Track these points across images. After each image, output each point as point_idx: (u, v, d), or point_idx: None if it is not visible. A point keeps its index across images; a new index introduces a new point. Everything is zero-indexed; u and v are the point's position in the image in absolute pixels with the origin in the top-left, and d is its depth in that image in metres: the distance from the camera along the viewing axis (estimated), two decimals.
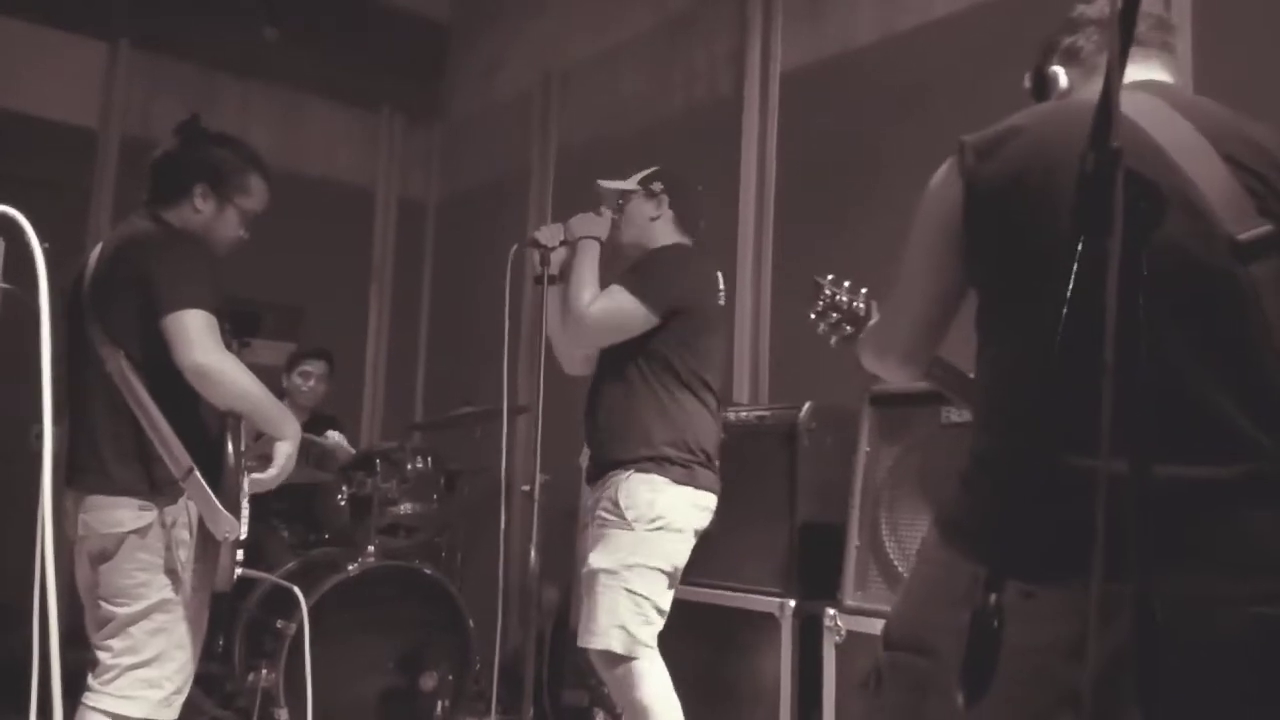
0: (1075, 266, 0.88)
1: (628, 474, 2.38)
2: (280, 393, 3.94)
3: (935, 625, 1.18)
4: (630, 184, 2.65)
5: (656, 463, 2.38)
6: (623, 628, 2.30)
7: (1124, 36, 0.85)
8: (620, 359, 2.49)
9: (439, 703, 3.32)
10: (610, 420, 2.47)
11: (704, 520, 2.46)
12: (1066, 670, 1.08)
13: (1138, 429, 0.89)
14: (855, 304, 1.76)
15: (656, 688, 2.32)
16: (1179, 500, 1.01)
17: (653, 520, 2.36)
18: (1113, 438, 0.84)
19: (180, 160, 2.26)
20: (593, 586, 2.36)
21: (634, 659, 2.31)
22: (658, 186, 2.64)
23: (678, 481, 2.39)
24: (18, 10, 4.49)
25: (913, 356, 1.42)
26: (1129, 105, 0.92)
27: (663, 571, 2.37)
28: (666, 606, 2.39)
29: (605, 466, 2.45)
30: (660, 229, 2.62)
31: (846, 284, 1.78)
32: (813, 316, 1.78)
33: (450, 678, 3.37)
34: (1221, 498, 1.07)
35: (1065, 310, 0.91)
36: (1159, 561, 0.90)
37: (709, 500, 2.46)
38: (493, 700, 2.85)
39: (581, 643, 2.37)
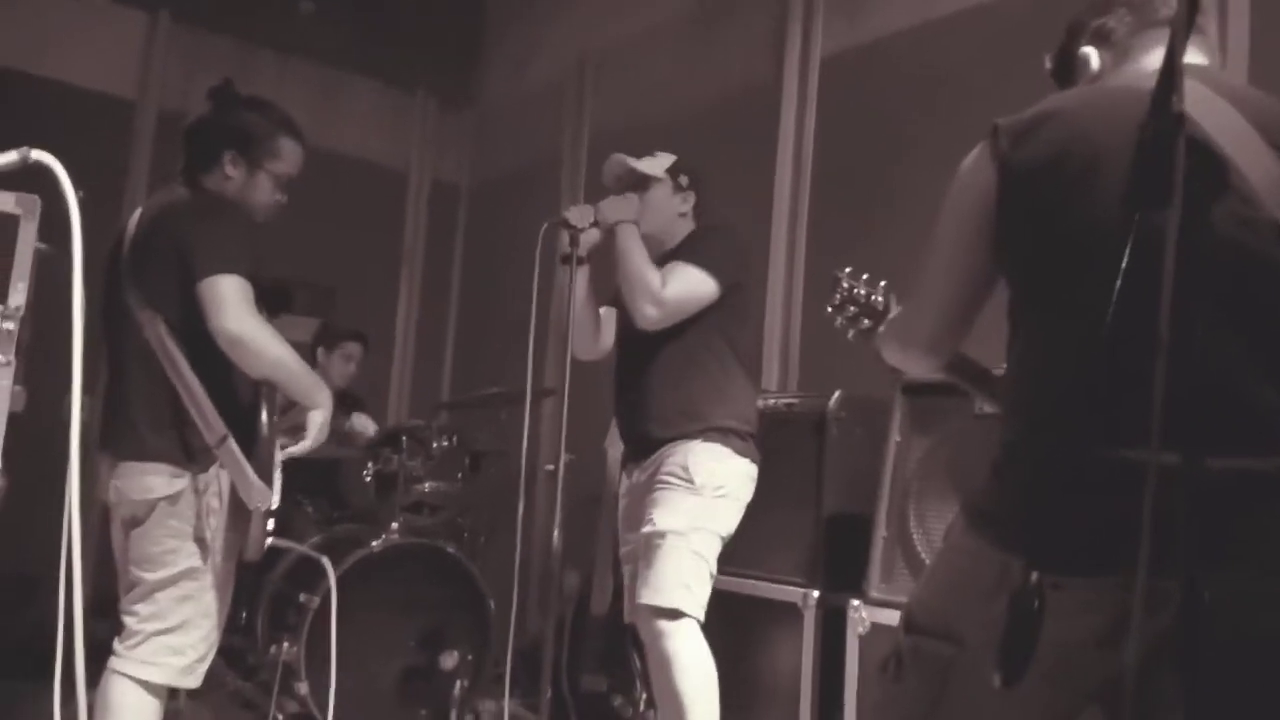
0: (1131, 241, 0.86)
1: (694, 442, 2.43)
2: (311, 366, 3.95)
3: (961, 613, 1.17)
4: (656, 169, 2.62)
5: (721, 433, 2.44)
6: (688, 587, 2.34)
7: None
8: (677, 335, 2.50)
9: (458, 683, 3.32)
10: (668, 395, 2.49)
11: (752, 492, 2.51)
12: (1095, 664, 1.06)
13: (1187, 418, 0.86)
14: (874, 297, 1.74)
15: (700, 648, 2.34)
16: (1221, 493, 0.98)
17: (718, 488, 2.41)
18: (1153, 425, 0.81)
19: (211, 126, 2.25)
20: (658, 546, 2.37)
21: (689, 618, 2.34)
22: (685, 180, 2.64)
23: (739, 453, 2.46)
24: None
25: (938, 347, 1.39)
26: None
27: (720, 537, 2.43)
28: (715, 572, 2.43)
29: (663, 440, 2.47)
30: (684, 224, 2.66)
31: (865, 277, 1.76)
32: (830, 310, 1.77)
33: (470, 658, 3.37)
34: (1262, 492, 1.04)
35: (1118, 290, 0.88)
36: (1202, 556, 0.87)
37: (756, 472, 2.51)
38: (507, 683, 2.84)
39: (641, 600, 2.37)
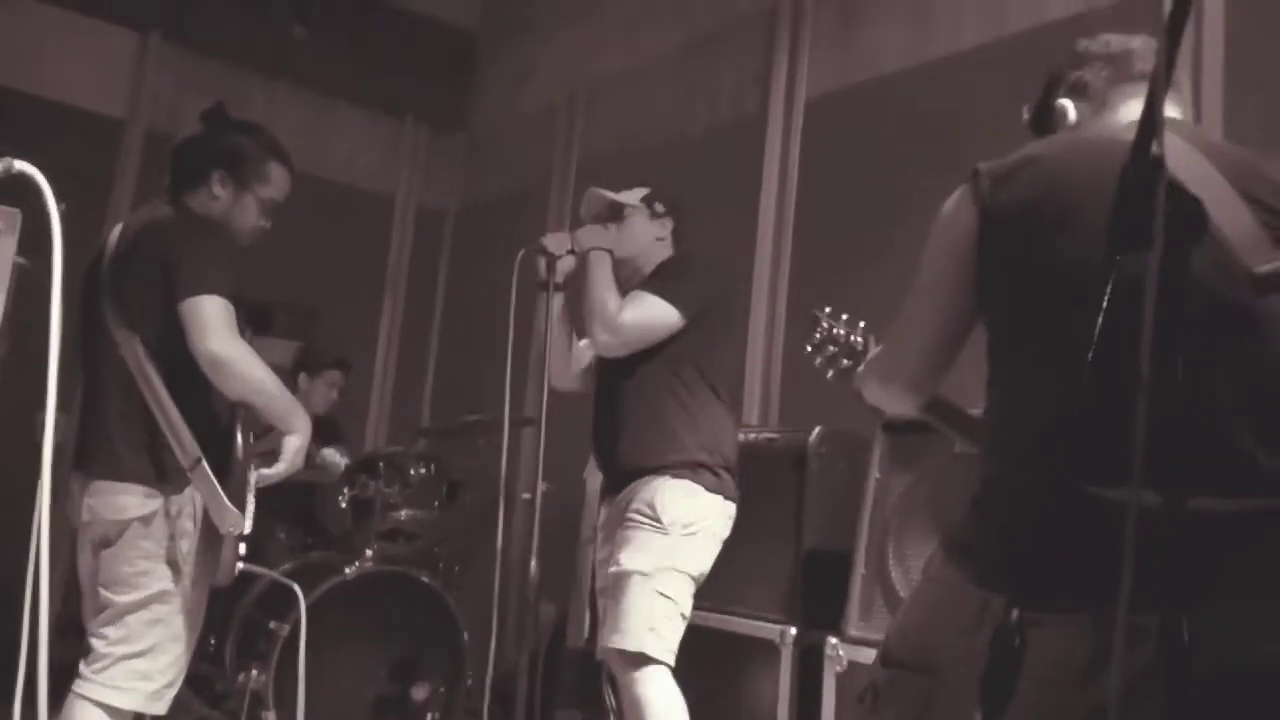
0: (1111, 282, 0.87)
1: (663, 479, 2.38)
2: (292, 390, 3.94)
3: (939, 646, 1.18)
4: (631, 199, 2.64)
5: (691, 469, 2.39)
6: (655, 630, 2.29)
7: (1171, 47, 0.84)
8: (644, 365, 2.47)
9: (429, 715, 3.28)
10: (639, 427, 2.45)
11: (729, 528, 2.45)
12: (1074, 701, 1.06)
13: (1164, 458, 0.87)
14: (853, 337, 1.76)
15: (670, 694, 2.29)
16: (1199, 532, 0.99)
17: (687, 525, 2.35)
18: (1134, 465, 0.82)
19: (200, 146, 2.25)
20: (624, 587, 2.32)
21: (659, 662, 2.29)
22: (660, 208, 2.63)
23: (710, 489, 2.40)
24: None
25: (918, 385, 1.41)
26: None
27: (691, 577, 2.37)
28: (689, 612, 2.38)
29: (633, 473, 2.43)
30: (662, 250, 2.64)
31: (845, 317, 1.78)
32: (809, 349, 1.79)
33: (442, 690, 3.33)
34: (1239, 531, 1.06)
35: (1099, 329, 0.89)
36: (1180, 593, 0.88)
37: (733, 509, 2.46)
38: (484, 716, 2.80)
39: (607, 644, 2.33)
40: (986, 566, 1.13)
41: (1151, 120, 0.83)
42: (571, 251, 2.54)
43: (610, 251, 2.54)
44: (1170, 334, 0.84)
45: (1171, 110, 1.32)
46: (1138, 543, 0.82)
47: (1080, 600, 1.04)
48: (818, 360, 1.79)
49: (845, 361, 1.76)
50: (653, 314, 2.43)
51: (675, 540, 2.34)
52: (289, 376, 4.22)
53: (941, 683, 1.16)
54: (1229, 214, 1.11)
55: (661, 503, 2.36)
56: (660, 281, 2.49)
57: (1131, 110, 1.32)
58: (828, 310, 1.80)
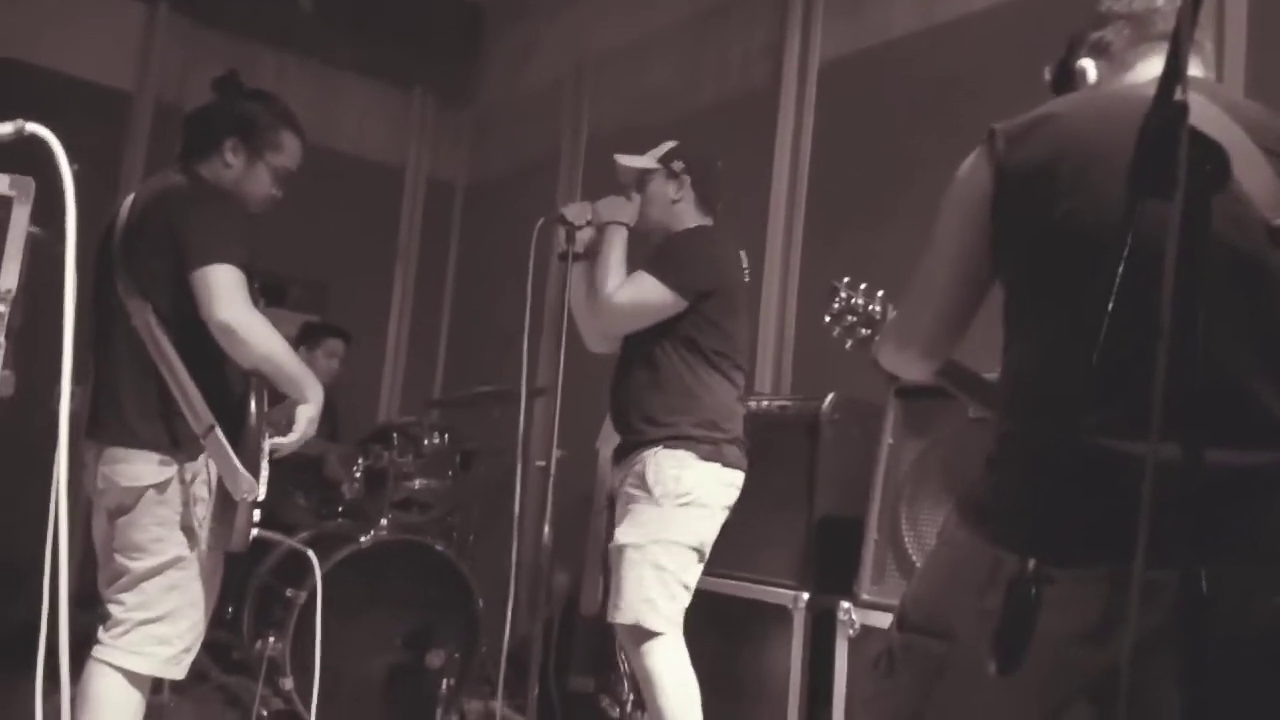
0: (1131, 231, 0.86)
1: (655, 450, 2.39)
2: None
3: (955, 608, 1.18)
4: (650, 161, 2.62)
5: (683, 440, 2.39)
6: (649, 602, 2.30)
7: (1195, 1, 0.82)
8: (647, 340, 2.48)
9: (444, 681, 3.30)
10: (637, 399, 2.47)
11: (732, 497, 2.45)
12: (1086, 658, 1.06)
13: (1184, 411, 0.86)
14: (871, 307, 1.76)
15: (677, 666, 2.31)
16: (1214, 487, 0.99)
17: (680, 496, 2.36)
18: (1154, 417, 0.81)
19: (213, 114, 2.25)
20: (620, 561, 2.36)
21: (659, 634, 2.31)
22: (678, 165, 2.61)
23: (705, 458, 2.39)
24: None
25: (935, 349, 1.41)
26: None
27: (690, 547, 2.37)
28: (693, 583, 2.39)
29: (631, 445, 2.46)
30: (683, 211, 2.62)
31: (863, 286, 1.78)
32: (828, 319, 1.79)
33: (456, 657, 3.35)
34: (1258, 485, 1.06)
35: (1119, 280, 0.88)
36: (1199, 548, 0.87)
37: (736, 477, 2.46)
38: (499, 683, 2.82)
39: (609, 618, 2.36)
40: (1002, 525, 1.12)
41: (1175, 68, 0.82)
42: (590, 222, 2.55)
43: (627, 225, 2.54)
44: (1190, 285, 0.83)
45: (1194, 69, 1.29)
46: (1155, 497, 0.81)
47: (1096, 556, 1.04)
48: (836, 330, 1.79)
49: (864, 331, 1.76)
50: (644, 294, 2.44)
51: (668, 511, 2.35)
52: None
53: (956, 645, 1.16)
54: (1248, 168, 1.10)
55: (653, 475, 2.37)
56: (659, 261, 2.49)
57: (1151, 68, 1.30)
58: (846, 280, 1.80)
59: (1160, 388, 0.79)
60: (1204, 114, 1.11)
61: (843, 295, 1.77)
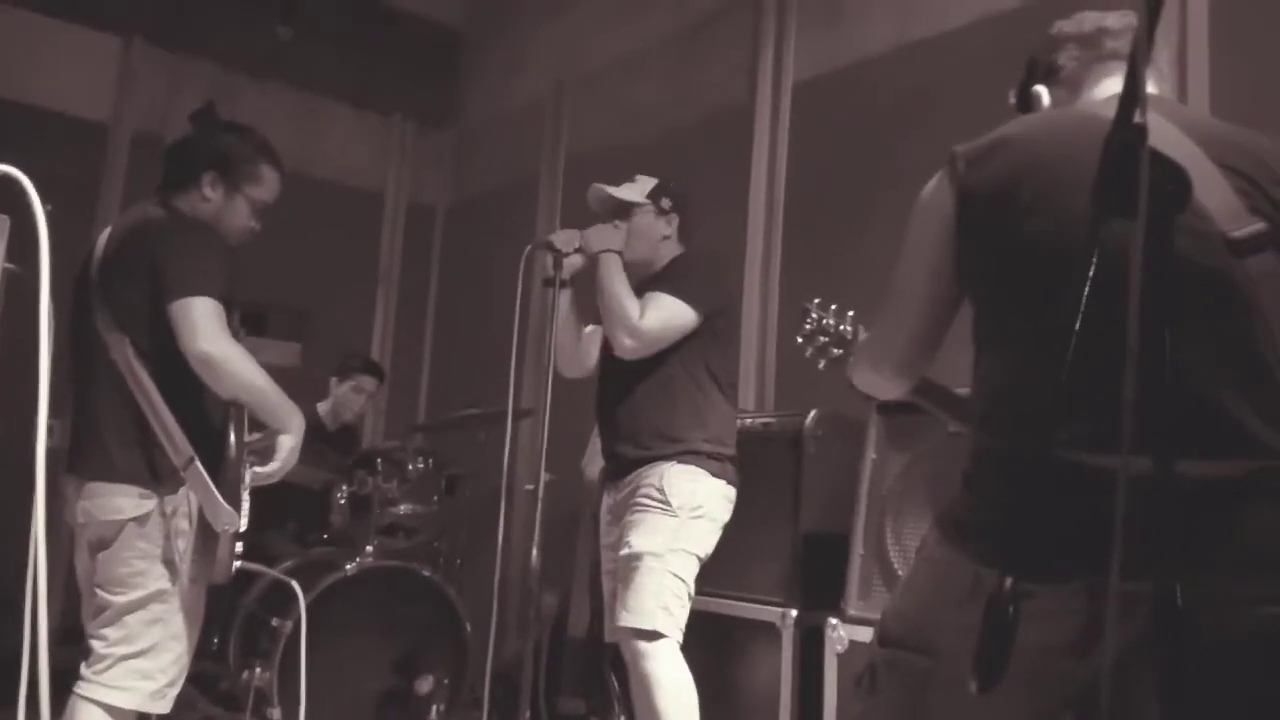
0: (1096, 250, 0.87)
1: (670, 465, 2.45)
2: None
3: (937, 623, 1.18)
4: (638, 195, 2.65)
5: (696, 455, 2.46)
6: (666, 609, 2.35)
7: (1151, 17, 0.84)
8: (656, 359, 2.52)
9: (434, 707, 3.29)
10: (646, 417, 2.52)
11: (729, 513, 2.52)
12: (1069, 671, 1.07)
13: (1153, 423, 0.87)
14: (843, 327, 1.79)
15: (681, 671, 2.35)
16: (1187, 498, 1.00)
17: (695, 508, 2.43)
18: (1123, 432, 0.83)
19: (191, 147, 2.25)
20: (635, 568, 2.39)
21: (666, 639, 2.35)
22: (667, 204, 2.66)
23: (714, 474, 2.48)
24: (35, 3, 4.52)
25: (907, 369, 1.42)
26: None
27: (698, 558, 2.44)
28: (694, 593, 2.44)
29: (639, 461, 2.50)
30: (670, 246, 2.68)
31: (834, 307, 1.81)
32: (800, 340, 1.82)
33: (445, 682, 3.34)
34: (1229, 496, 1.07)
35: (1085, 297, 0.90)
36: (1174, 560, 0.88)
37: (734, 494, 2.53)
38: (485, 706, 2.81)
39: (620, 623, 2.38)
40: (980, 543, 1.13)
41: (1134, 91, 0.84)
42: (579, 250, 2.57)
43: (620, 253, 2.57)
44: (1156, 300, 0.85)
45: (1149, 86, 1.32)
46: (1129, 510, 0.82)
47: (1074, 570, 1.05)
48: (809, 350, 1.82)
49: (836, 351, 1.79)
50: (672, 316, 2.50)
51: (684, 522, 2.41)
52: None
53: (939, 660, 1.16)
54: (1205, 184, 1.12)
55: (670, 487, 2.43)
56: (676, 281, 2.54)
57: (1104, 88, 1.33)
58: (817, 301, 1.84)
59: (1130, 403, 0.80)
60: (1161, 134, 1.13)
61: (814, 316, 1.81)
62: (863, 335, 1.79)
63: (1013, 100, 1.46)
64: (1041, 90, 1.40)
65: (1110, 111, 0.87)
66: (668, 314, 2.49)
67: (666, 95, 4.51)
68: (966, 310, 1.31)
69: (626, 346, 2.50)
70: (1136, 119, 0.83)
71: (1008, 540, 1.00)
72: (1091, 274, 0.88)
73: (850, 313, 1.81)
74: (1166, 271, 0.84)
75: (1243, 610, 1.04)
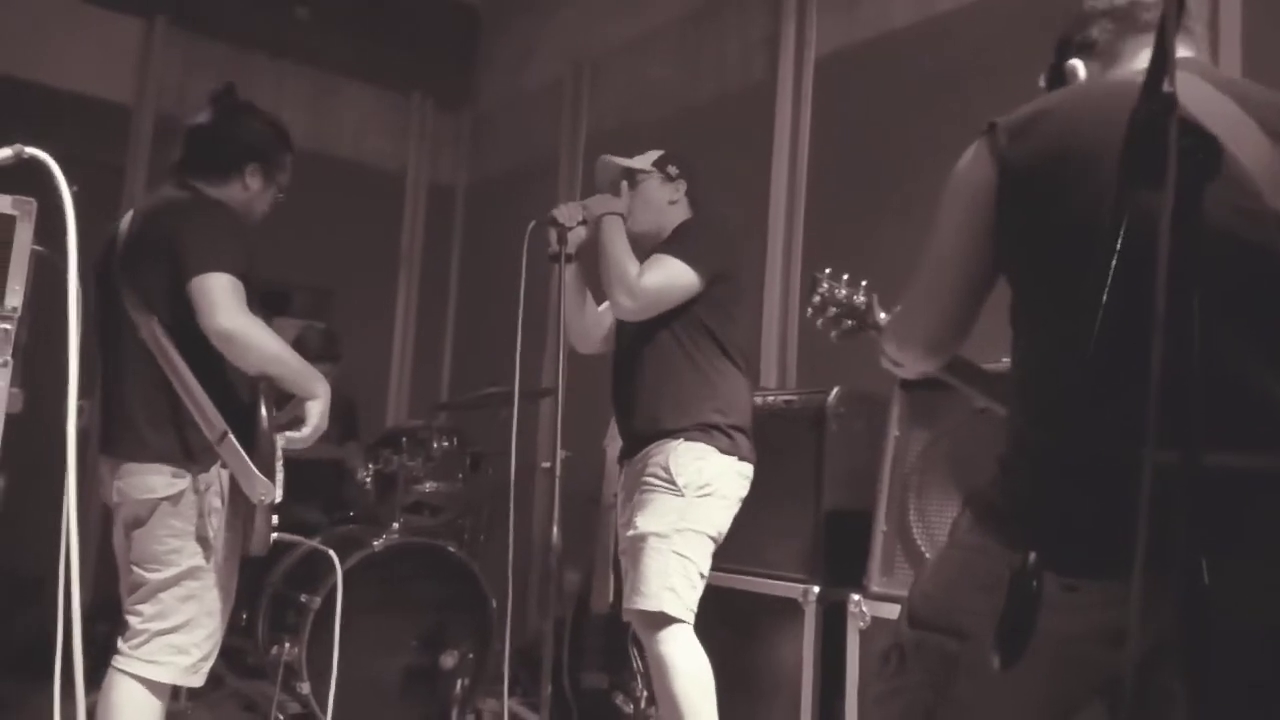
0: (1125, 225, 0.85)
1: (677, 442, 2.41)
2: None
3: (969, 609, 1.15)
4: (644, 163, 2.63)
5: (704, 431, 2.42)
6: (673, 590, 2.32)
7: None
8: (659, 329, 2.48)
9: (459, 681, 3.32)
10: (654, 391, 2.48)
11: (745, 489, 2.48)
12: (1102, 659, 1.05)
13: (1187, 412, 0.85)
14: (855, 297, 1.74)
15: (694, 653, 2.33)
16: (1225, 489, 0.97)
17: (701, 487, 2.39)
18: (1159, 422, 0.80)
19: (226, 136, 2.26)
20: (641, 549, 2.37)
21: (680, 621, 2.33)
22: (674, 170, 2.63)
23: (723, 451, 2.43)
24: None
25: (939, 347, 1.38)
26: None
27: (709, 537, 2.40)
28: (707, 572, 2.41)
29: (649, 437, 2.47)
30: (678, 212, 2.63)
31: (845, 277, 1.76)
32: (810, 312, 1.78)
33: (471, 657, 3.37)
34: (1266, 486, 1.03)
35: (1112, 276, 0.87)
36: (1205, 551, 0.86)
37: (749, 470, 2.49)
38: (505, 680, 2.83)
39: (629, 604, 2.37)
40: (1015, 530, 1.10)
41: (1162, 58, 0.82)
42: (583, 222, 2.54)
43: (622, 215, 2.54)
44: (1187, 278, 0.82)
45: (1183, 50, 1.26)
46: (1162, 502, 0.79)
47: (1114, 565, 1.02)
48: (819, 322, 1.77)
49: (849, 323, 1.74)
50: (672, 276, 2.44)
51: (690, 501, 2.37)
52: None
53: (969, 643, 1.14)
54: (1253, 154, 1.07)
55: (676, 465, 2.39)
56: (678, 244, 2.50)
57: (1140, 60, 1.28)
58: (827, 272, 1.78)
59: (1156, 388, 0.77)
60: (1196, 92, 1.08)
61: (824, 287, 1.75)
62: (877, 305, 1.75)
63: (1042, 82, 1.41)
64: (1077, 64, 1.36)
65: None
66: (667, 274, 2.43)
67: (686, 73, 4.48)
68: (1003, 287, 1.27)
69: (624, 307, 2.47)
70: (1166, 88, 0.81)
71: (1046, 534, 0.97)
72: (1124, 250, 0.85)
73: (864, 283, 1.76)
74: (1199, 247, 0.81)
75: (1275, 603, 1.00)
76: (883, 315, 1.77)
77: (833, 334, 1.76)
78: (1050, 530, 0.99)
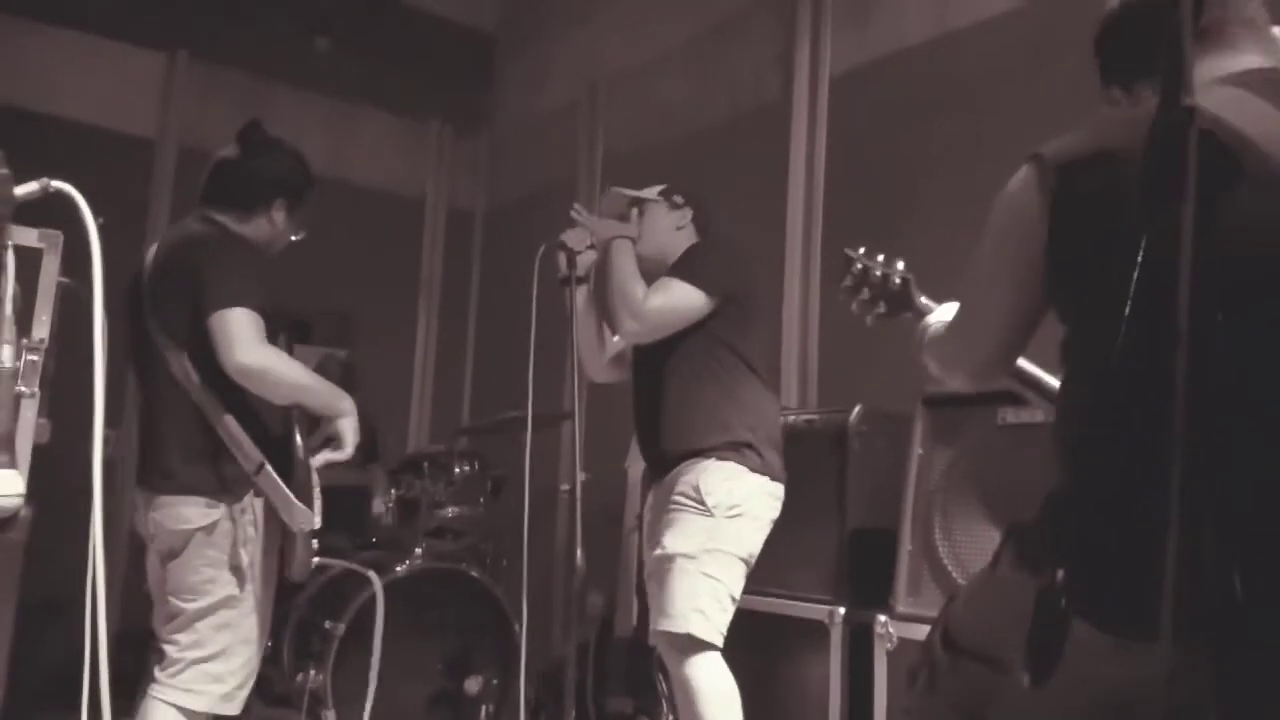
0: (1143, 242, 0.83)
1: (708, 461, 2.38)
2: None
3: (1006, 641, 1.10)
4: (650, 194, 2.65)
5: (735, 450, 2.38)
6: (701, 612, 2.28)
7: None
8: (681, 349, 2.47)
9: (484, 707, 3.31)
10: (679, 410, 2.45)
11: (777, 510, 2.44)
12: (1145, 698, 1.01)
13: (1215, 456, 0.81)
14: (891, 278, 1.64)
15: (721, 677, 2.29)
16: (1260, 538, 0.92)
17: (731, 507, 2.35)
18: (1189, 466, 0.76)
19: (253, 171, 2.28)
20: (669, 570, 2.33)
21: (706, 644, 2.28)
22: (679, 199, 2.64)
23: (754, 470, 2.39)
24: (80, 22, 4.64)
25: (985, 374, 1.33)
26: (1207, 100, 0.86)
27: (739, 559, 2.36)
28: (739, 594, 2.37)
29: (678, 456, 2.43)
30: (685, 238, 2.63)
31: (881, 257, 1.66)
32: (843, 294, 1.69)
33: (495, 683, 3.36)
34: None
35: (1130, 301, 0.85)
36: (1244, 604, 0.83)
37: (780, 491, 2.45)
38: (520, 706, 2.81)
39: (656, 627, 2.34)
40: (1064, 582, 1.02)
41: (1179, 69, 0.81)
42: (591, 246, 2.56)
43: (632, 239, 2.55)
44: (1216, 302, 0.78)
45: (1252, 58, 1.18)
46: (1195, 559, 0.76)
47: (1154, 628, 0.97)
48: (853, 305, 1.68)
49: (883, 306, 1.65)
50: (677, 298, 2.43)
51: (720, 522, 2.34)
52: None
53: (1006, 676, 1.11)
54: None
55: (706, 485, 2.35)
56: (684, 266, 2.49)
57: (1242, 60, 1.18)
58: (862, 250, 1.68)
59: (1180, 421, 0.74)
60: (1254, 114, 1.03)
61: (858, 266, 1.66)
62: (916, 290, 1.64)
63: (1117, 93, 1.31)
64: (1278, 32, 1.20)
65: (1212, 100, 0.79)
66: (670, 296, 2.42)
67: (700, 93, 4.50)
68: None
69: (629, 329, 2.46)
70: (1185, 100, 0.79)
71: (1095, 591, 0.94)
72: (1138, 277, 0.83)
73: (900, 263, 1.65)
74: (1224, 265, 0.78)
75: None
76: (923, 299, 1.67)
77: (866, 318, 1.67)
78: (1096, 588, 0.95)
